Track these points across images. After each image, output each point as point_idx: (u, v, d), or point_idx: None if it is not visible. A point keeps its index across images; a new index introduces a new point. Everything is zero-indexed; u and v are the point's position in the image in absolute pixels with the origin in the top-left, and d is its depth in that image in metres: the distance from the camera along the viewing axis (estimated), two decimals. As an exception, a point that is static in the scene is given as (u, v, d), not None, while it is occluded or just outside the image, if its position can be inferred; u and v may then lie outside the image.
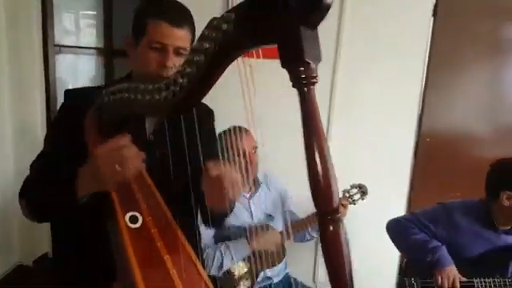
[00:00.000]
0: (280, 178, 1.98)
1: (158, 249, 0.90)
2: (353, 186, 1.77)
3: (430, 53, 2.36)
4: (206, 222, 1.13)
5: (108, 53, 2.95)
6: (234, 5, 0.66)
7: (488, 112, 2.52)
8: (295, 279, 1.85)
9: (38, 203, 0.95)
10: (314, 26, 0.58)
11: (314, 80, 0.58)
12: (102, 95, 0.91)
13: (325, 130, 2.28)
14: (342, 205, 1.71)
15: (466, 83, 2.47)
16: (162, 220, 0.95)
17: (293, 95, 0.59)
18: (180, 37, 0.97)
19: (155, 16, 0.96)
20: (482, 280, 1.59)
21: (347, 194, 1.75)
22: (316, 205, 0.61)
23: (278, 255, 1.65)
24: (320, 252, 2.40)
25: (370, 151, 2.41)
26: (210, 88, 0.75)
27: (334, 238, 0.60)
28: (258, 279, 1.63)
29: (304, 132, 0.59)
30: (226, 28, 0.67)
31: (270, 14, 0.59)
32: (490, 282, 1.58)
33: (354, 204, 1.76)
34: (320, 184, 0.59)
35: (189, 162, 1.00)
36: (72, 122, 0.97)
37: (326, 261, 0.60)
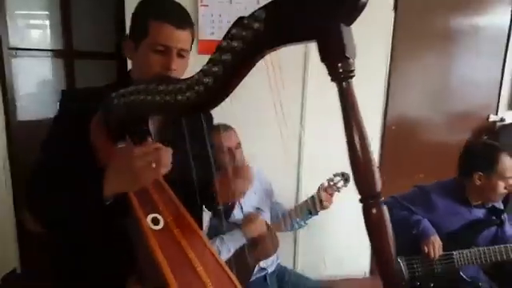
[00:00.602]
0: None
1: (183, 248, 0.90)
2: (336, 175, 1.83)
3: (392, 46, 2.50)
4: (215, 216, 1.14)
5: (68, 54, 2.83)
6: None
7: (442, 99, 2.71)
8: (286, 268, 1.90)
9: (56, 211, 0.91)
10: (350, 22, 0.62)
11: (352, 74, 0.62)
12: (112, 98, 0.89)
13: (299, 123, 2.41)
14: (330, 194, 1.78)
15: (425, 73, 2.64)
16: (180, 219, 0.96)
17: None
18: (183, 39, 0.97)
19: (157, 17, 0.95)
20: (461, 252, 1.72)
21: (332, 183, 1.82)
22: (359, 189, 0.64)
23: (273, 245, 1.68)
24: (300, 241, 2.49)
25: (341, 142, 2.51)
26: (235, 87, 0.76)
27: (379, 221, 0.63)
28: (254, 271, 1.66)
29: (345, 122, 0.63)
30: (257, 27, 0.68)
31: (306, 11, 0.62)
32: (467, 253, 1.72)
33: (339, 191, 1.83)
34: (363, 170, 0.62)
35: (194, 161, 1.01)
36: (78, 125, 0.94)
37: (372, 244, 0.64)
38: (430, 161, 2.62)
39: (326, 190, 1.77)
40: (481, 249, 1.71)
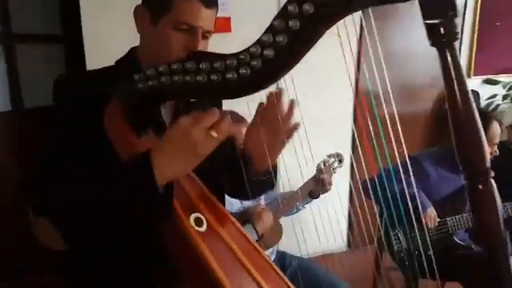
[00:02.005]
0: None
1: (232, 249, 0.80)
2: (330, 156, 1.79)
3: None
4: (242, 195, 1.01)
5: (7, 38, 2.49)
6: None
7: (404, 72, 2.76)
8: (285, 252, 1.85)
9: (93, 217, 0.74)
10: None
11: (457, 37, 0.55)
12: (133, 81, 0.75)
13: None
14: (329, 175, 1.73)
15: (386, 47, 2.67)
16: (218, 214, 0.85)
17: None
18: (210, 18, 0.84)
19: None
20: (454, 218, 1.77)
21: (327, 164, 1.77)
22: (465, 165, 0.58)
23: (278, 233, 1.62)
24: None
25: (314, 125, 2.50)
26: (300, 60, 0.66)
27: (488, 197, 0.58)
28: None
29: (449, 93, 0.56)
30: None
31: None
32: (459, 219, 1.77)
33: (335, 172, 1.79)
34: (471, 145, 0.57)
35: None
36: (87, 117, 0.78)
37: (479, 218, 0.60)
38: (395, 130, 2.67)
39: (324, 171, 1.72)
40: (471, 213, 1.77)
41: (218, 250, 0.76)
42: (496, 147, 1.77)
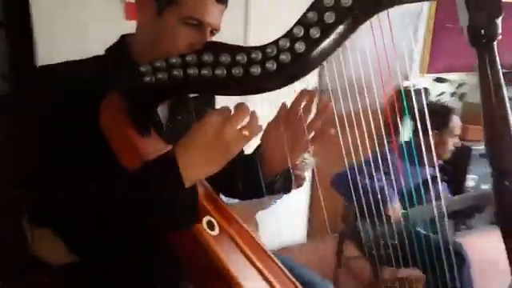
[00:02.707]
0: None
1: (244, 250, 0.76)
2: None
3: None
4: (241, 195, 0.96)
5: None
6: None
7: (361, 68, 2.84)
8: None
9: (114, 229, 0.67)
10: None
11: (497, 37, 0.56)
12: (139, 73, 0.68)
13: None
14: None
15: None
16: (225, 214, 0.81)
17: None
18: (219, 14, 0.79)
19: None
20: (416, 208, 1.85)
21: (301, 160, 1.76)
22: (494, 161, 0.59)
23: (256, 228, 1.59)
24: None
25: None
26: (331, 54, 0.63)
27: None
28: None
29: (483, 88, 0.57)
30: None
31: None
32: (422, 209, 1.85)
33: (307, 168, 1.79)
34: (500, 142, 0.58)
35: None
36: (83, 108, 0.70)
37: (503, 215, 0.61)
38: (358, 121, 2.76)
39: (298, 167, 1.71)
40: (432, 204, 1.87)
41: (231, 253, 0.72)
42: (457, 139, 1.88)
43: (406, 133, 2.03)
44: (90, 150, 0.69)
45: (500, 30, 0.55)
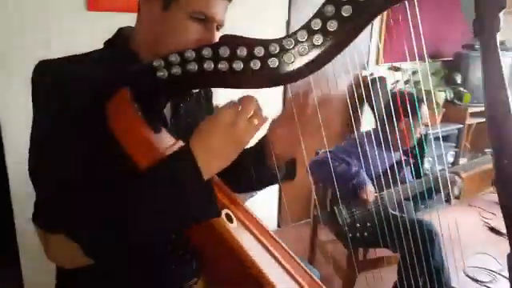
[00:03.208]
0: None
1: (260, 240, 0.78)
2: None
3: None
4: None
5: None
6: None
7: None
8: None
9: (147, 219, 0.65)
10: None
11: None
12: (150, 68, 0.68)
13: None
14: None
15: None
16: (237, 205, 0.82)
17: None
18: (225, 9, 0.79)
19: None
20: (388, 191, 1.96)
21: None
22: (495, 142, 0.64)
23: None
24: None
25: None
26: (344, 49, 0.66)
27: None
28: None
29: (485, 75, 0.62)
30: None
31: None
32: (392, 192, 1.96)
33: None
34: (501, 123, 0.63)
35: None
36: (90, 104, 0.69)
37: (504, 192, 0.66)
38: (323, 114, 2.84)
39: None
40: (401, 186, 1.98)
41: (250, 245, 0.74)
42: (423, 127, 2.00)
43: (375, 120, 2.12)
44: (101, 150, 0.68)
45: (501, 23, 0.60)
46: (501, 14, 0.60)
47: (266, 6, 2.46)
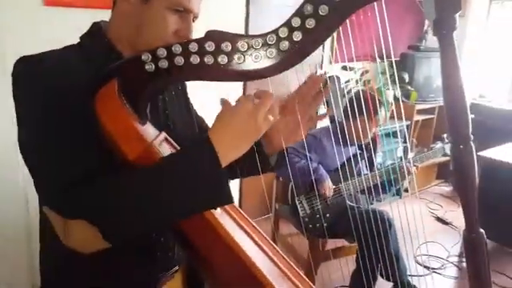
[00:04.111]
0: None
1: (242, 226, 0.82)
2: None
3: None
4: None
5: None
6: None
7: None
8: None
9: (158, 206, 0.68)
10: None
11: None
12: (139, 61, 0.70)
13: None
14: None
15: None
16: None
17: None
18: (201, 1, 0.82)
19: None
20: (345, 183, 2.07)
21: None
22: (452, 130, 0.72)
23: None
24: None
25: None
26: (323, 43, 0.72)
27: (469, 157, 0.73)
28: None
29: (444, 70, 0.70)
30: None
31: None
32: (349, 184, 2.07)
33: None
34: (457, 111, 0.72)
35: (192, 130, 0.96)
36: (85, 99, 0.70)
37: (460, 174, 0.74)
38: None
39: None
40: (357, 178, 2.09)
41: (232, 229, 0.77)
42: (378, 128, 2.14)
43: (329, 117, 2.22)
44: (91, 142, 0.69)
45: (458, 23, 0.69)
46: (457, 15, 0.69)
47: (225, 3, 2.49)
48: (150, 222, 0.69)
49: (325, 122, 2.83)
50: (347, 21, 0.73)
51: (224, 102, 0.73)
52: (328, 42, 3.17)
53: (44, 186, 0.72)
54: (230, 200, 0.69)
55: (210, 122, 1.07)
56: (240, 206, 2.95)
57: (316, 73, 3.12)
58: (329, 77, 3.19)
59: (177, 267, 0.91)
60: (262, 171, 0.91)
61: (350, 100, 2.05)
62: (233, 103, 0.72)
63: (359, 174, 2.15)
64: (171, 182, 0.67)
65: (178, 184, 0.67)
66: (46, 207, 0.72)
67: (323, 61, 3.19)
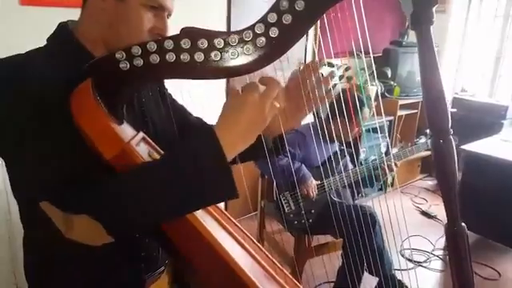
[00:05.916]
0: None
1: (225, 226, 0.81)
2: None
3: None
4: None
5: None
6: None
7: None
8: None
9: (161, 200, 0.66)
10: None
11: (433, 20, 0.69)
12: (114, 60, 0.68)
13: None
14: None
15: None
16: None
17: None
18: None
19: None
20: (328, 180, 2.07)
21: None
22: (432, 124, 0.73)
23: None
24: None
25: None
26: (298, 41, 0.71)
27: (448, 150, 0.73)
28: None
29: (421, 64, 0.70)
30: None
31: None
32: (333, 180, 2.07)
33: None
34: (436, 106, 0.72)
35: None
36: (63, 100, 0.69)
37: (441, 167, 0.74)
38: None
39: None
40: (342, 174, 2.10)
41: (215, 230, 0.76)
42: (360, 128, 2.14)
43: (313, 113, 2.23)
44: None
45: (434, 17, 0.68)
46: (433, 9, 0.69)
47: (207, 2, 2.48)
48: (156, 217, 0.68)
49: (308, 119, 2.83)
50: (326, 17, 0.73)
51: (231, 91, 0.70)
52: (311, 39, 3.18)
53: (44, 183, 0.69)
54: (236, 194, 0.67)
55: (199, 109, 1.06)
56: (225, 204, 2.93)
57: (300, 69, 3.12)
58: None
59: (163, 267, 0.90)
60: (258, 157, 0.89)
61: (331, 104, 2.04)
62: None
63: (346, 169, 2.16)
64: (175, 179, 0.65)
65: (181, 181, 0.65)
66: (46, 202, 0.70)
67: (306, 57, 3.20)
